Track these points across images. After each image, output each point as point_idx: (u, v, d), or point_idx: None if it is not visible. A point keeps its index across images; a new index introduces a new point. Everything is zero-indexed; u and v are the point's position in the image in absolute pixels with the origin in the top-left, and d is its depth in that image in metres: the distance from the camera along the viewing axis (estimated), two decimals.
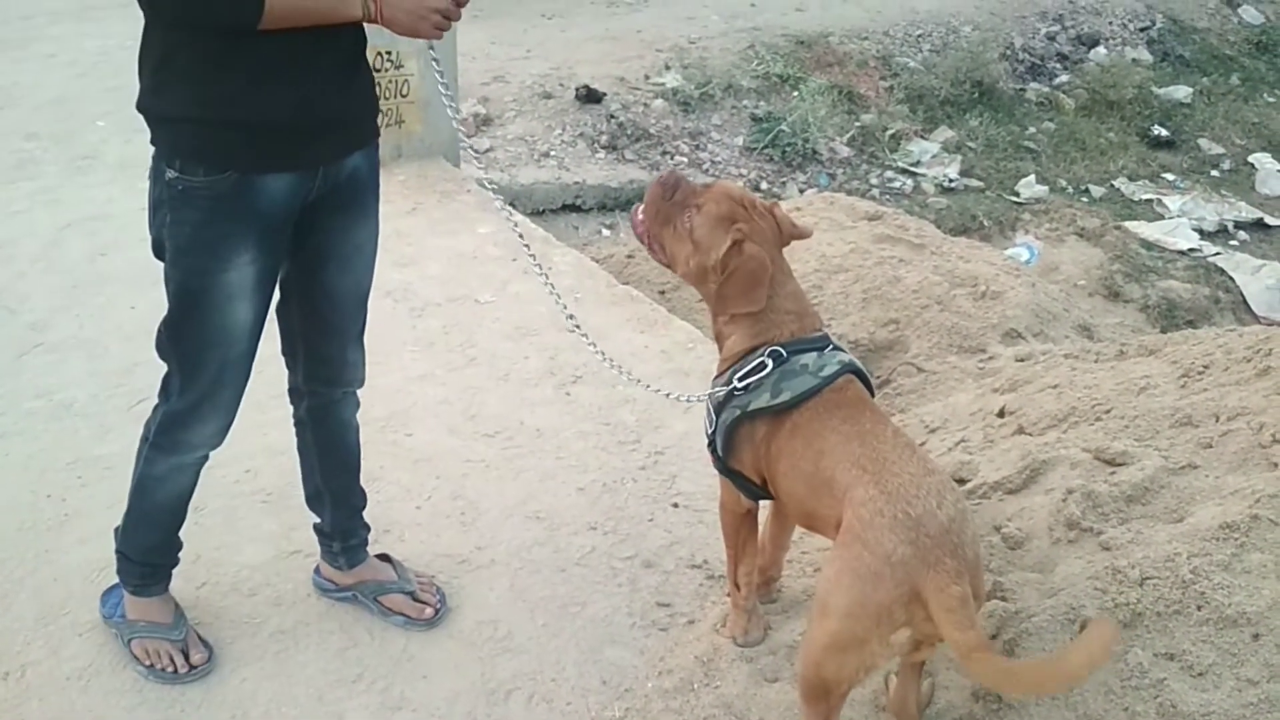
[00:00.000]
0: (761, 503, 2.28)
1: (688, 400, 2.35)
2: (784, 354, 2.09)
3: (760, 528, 2.36)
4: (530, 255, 2.36)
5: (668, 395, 2.45)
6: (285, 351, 2.27)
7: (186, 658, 2.33)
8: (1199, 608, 1.96)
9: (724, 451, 2.16)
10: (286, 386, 2.33)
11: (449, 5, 1.88)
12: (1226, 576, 1.98)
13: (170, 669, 2.32)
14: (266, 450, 2.93)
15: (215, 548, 2.65)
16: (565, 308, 2.34)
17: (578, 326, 2.37)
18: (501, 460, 3.08)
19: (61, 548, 2.67)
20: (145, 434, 2.21)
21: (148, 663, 2.33)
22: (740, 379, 2.10)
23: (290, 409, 2.38)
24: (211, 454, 2.24)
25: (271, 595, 2.56)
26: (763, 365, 2.09)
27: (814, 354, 2.10)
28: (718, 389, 2.16)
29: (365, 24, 1.92)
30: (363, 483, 2.50)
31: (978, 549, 1.89)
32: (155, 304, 3.59)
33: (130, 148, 5.01)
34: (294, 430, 2.40)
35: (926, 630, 1.79)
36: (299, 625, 2.49)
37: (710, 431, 2.19)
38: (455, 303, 3.92)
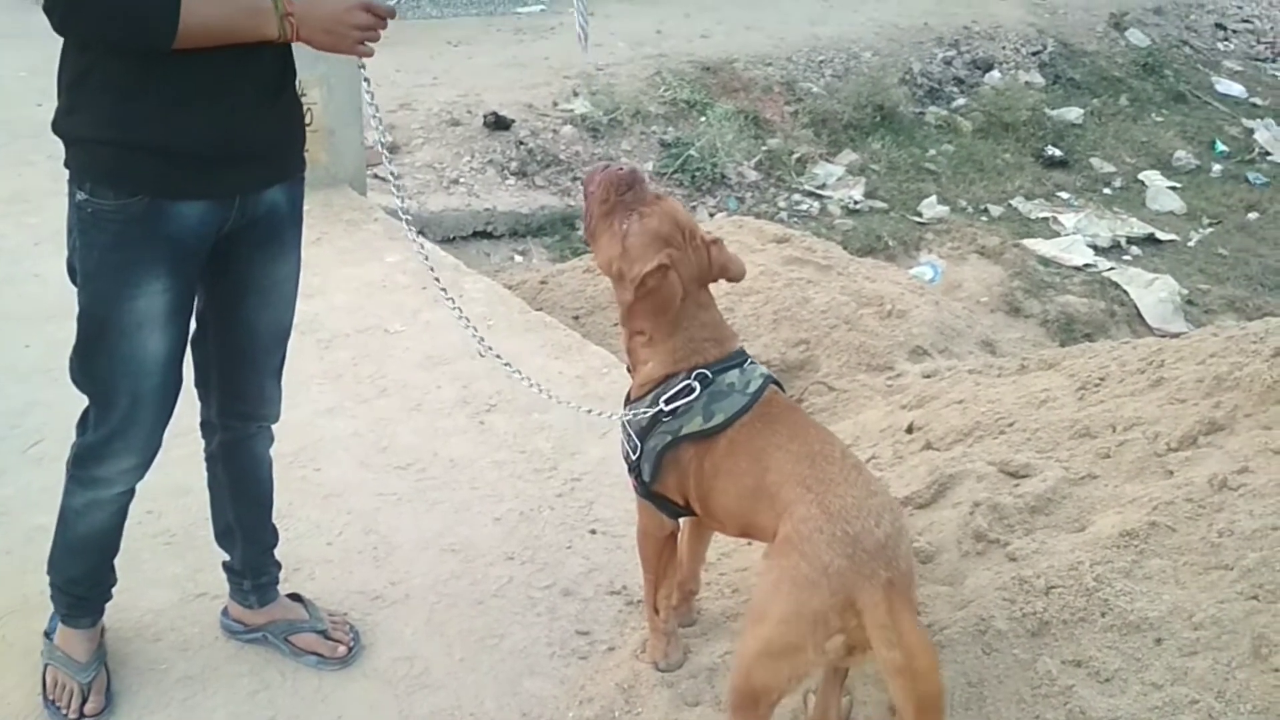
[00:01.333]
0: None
1: (611, 417, 2.34)
2: (709, 376, 2.10)
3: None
4: (436, 279, 2.32)
5: (590, 412, 2.43)
6: (198, 384, 2.21)
7: (83, 702, 2.24)
8: (1103, 614, 2.02)
9: (651, 476, 2.16)
10: (198, 420, 2.27)
11: (369, 20, 1.84)
12: (1128, 583, 2.05)
13: (64, 709, 2.24)
14: (170, 490, 2.84)
15: (118, 591, 2.53)
16: (475, 331, 2.32)
17: (490, 350, 2.35)
18: (415, 493, 3.04)
19: None
20: (68, 462, 2.14)
21: (51, 695, 2.26)
22: (667, 402, 2.10)
23: (196, 445, 2.32)
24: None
25: (177, 640, 2.48)
26: (689, 389, 2.09)
27: (736, 371, 2.12)
28: (642, 410, 2.14)
29: (290, 48, 1.90)
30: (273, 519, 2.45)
31: (911, 563, 1.93)
32: (50, 341, 3.53)
33: (20, 181, 4.85)
34: (204, 465, 2.34)
35: (859, 637, 1.82)
36: (207, 669, 2.41)
37: (634, 457, 2.18)
38: (364, 333, 3.86)
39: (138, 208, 1.86)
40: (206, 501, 2.41)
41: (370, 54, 1.91)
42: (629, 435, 2.20)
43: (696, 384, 2.10)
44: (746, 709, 1.92)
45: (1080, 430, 2.54)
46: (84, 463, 2.09)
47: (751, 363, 2.17)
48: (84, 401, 2.07)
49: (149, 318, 1.93)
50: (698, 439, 2.09)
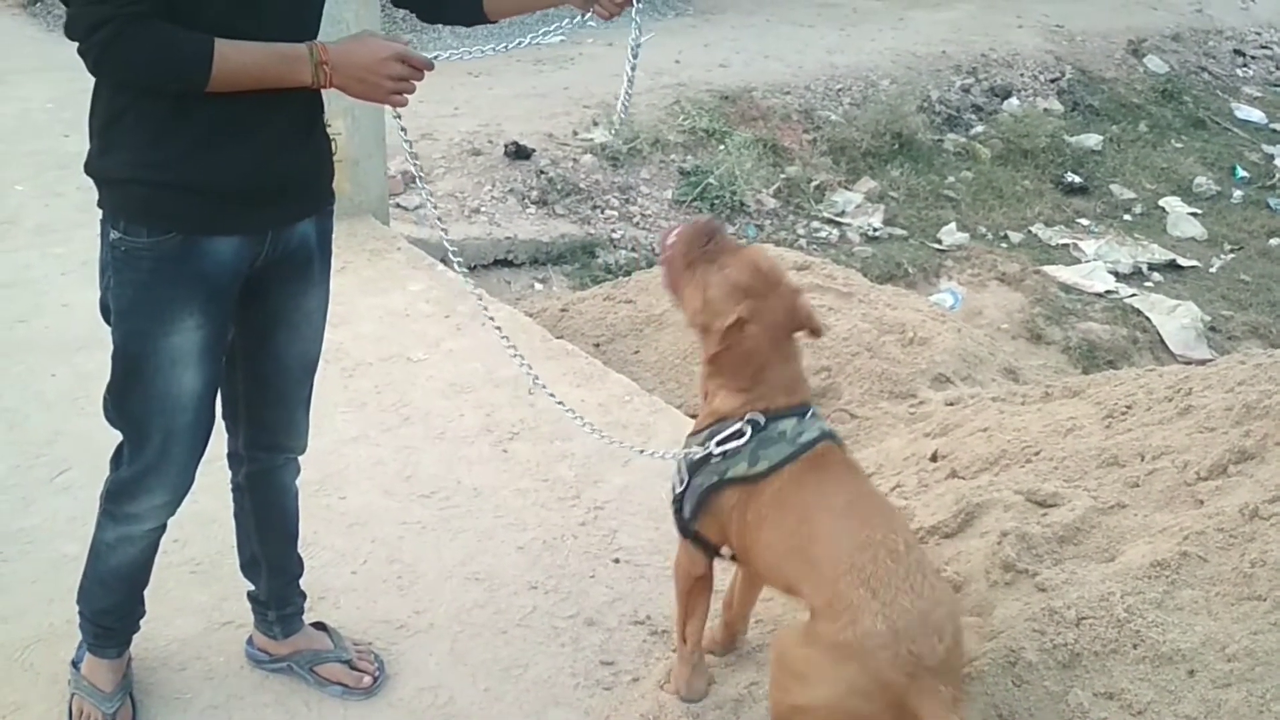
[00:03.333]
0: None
1: (661, 457, 2.31)
2: (762, 422, 2.08)
3: (719, 583, 2.35)
4: (477, 296, 2.37)
5: (641, 452, 2.43)
6: (226, 416, 2.22)
7: None
8: (1135, 646, 2.00)
9: (692, 515, 2.15)
10: (225, 451, 2.28)
11: (404, 71, 1.86)
12: (1160, 614, 2.03)
13: None
14: (196, 518, 2.84)
15: (145, 620, 2.55)
16: (523, 360, 2.35)
17: (539, 381, 2.39)
18: (438, 521, 3.04)
19: None
20: (101, 497, 2.15)
21: None
22: (719, 444, 2.09)
23: (223, 474, 2.33)
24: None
25: (203, 669, 2.48)
26: (740, 433, 2.07)
27: (793, 420, 2.09)
28: (693, 449, 2.14)
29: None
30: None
31: (965, 659, 1.95)
32: (77, 372, 3.57)
33: (49, 212, 4.91)
34: (231, 496, 2.35)
35: None
36: (232, 699, 2.41)
37: (679, 492, 2.17)
38: (388, 362, 3.88)
39: (171, 245, 1.88)
40: (232, 530, 2.42)
41: (404, 104, 1.93)
42: (679, 469, 2.19)
43: (748, 428, 2.08)
44: None
45: (1108, 459, 2.52)
46: (117, 498, 2.10)
47: (813, 415, 2.13)
48: (112, 430, 2.08)
49: (183, 354, 1.95)
50: (741, 484, 2.08)
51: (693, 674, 2.35)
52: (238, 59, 1.76)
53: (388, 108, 1.97)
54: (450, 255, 2.29)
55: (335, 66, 1.82)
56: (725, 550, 2.20)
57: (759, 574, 2.21)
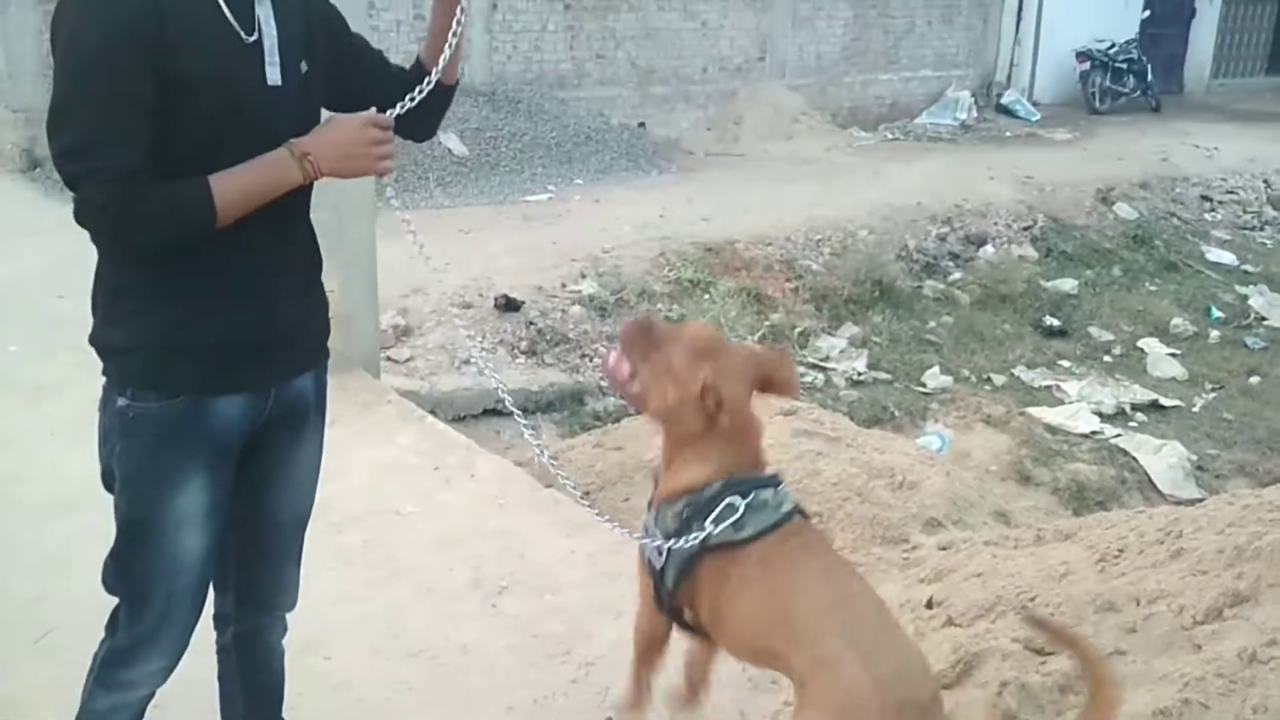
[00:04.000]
0: None
1: (658, 545, 2.20)
2: (750, 494, 2.07)
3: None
4: (549, 461, 2.37)
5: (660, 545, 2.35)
6: (214, 575, 2.20)
7: None
8: None
9: (675, 583, 2.12)
10: (211, 612, 2.24)
11: (375, 133, 1.91)
12: None
13: None
14: (177, 681, 2.76)
15: None
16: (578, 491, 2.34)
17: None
18: (426, 682, 2.97)
19: None
20: (91, 666, 2.11)
21: None
22: (714, 521, 2.05)
23: (205, 636, 2.28)
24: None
25: None
26: (732, 507, 2.05)
27: (771, 490, 2.10)
28: (694, 535, 2.08)
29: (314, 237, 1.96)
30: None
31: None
32: (64, 533, 3.53)
33: (42, 372, 4.94)
34: (216, 658, 2.30)
35: None
36: None
37: (659, 562, 2.13)
38: (376, 515, 3.86)
39: (180, 408, 1.90)
40: (213, 693, 2.36)
41: (391, 170, 1.96)
42: (650, 535, 2.16)
43: (739, 500, 2.06)
44: None
45: (1104, 604, 2.51)
46: (112, 665, 2.06)
47: (784, 487, 2.15)
48: (99, 591, 2.05)
49: (188, 516, 1.95)
50: (726, 550, 2.06)
51: (635, 695, 2.30)
52: (232, 185, 1.81)
53: (377, 178, 1.99)
54: (506, 401, 2.31)
55: (317, 155, 1.86)
56: (687, 615, 2.19)
57: (728, 640, 2.17)
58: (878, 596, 2.05)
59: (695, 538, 2.08)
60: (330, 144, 1.89)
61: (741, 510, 2.07)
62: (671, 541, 2.10)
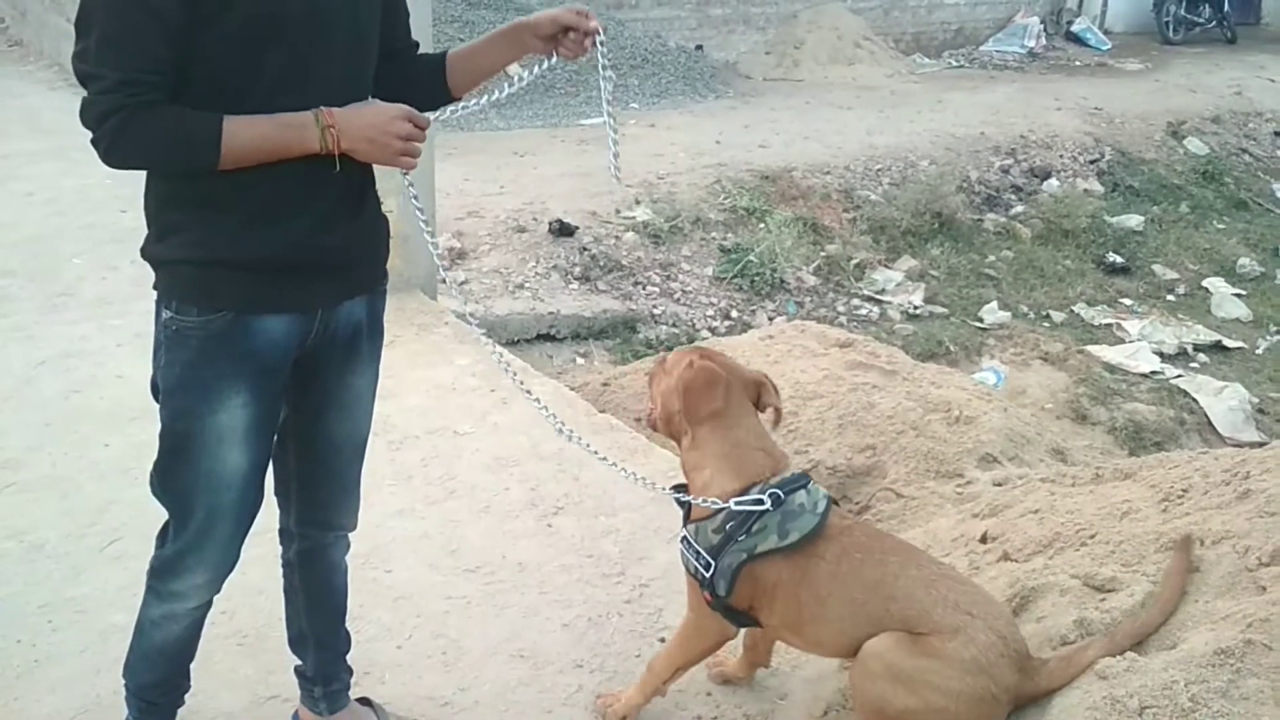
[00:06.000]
0: None
1: (709, 503, 2.31)
2: (782, 496, 2.23)
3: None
4: (511, 374, 2.43)
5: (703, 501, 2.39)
6: (278, 493, 2.24)
7: None
8: None
9: (728, 591, 2.24)
10: (277, 527, 2.29)
11: (409, 129, 1.88)
12: (1225, 704, 1.97)
13: None
14: (244, 590, 2.84)
15: (190, 694, 2.55)
16: (556, 419, 2.39)
17: (579, 439, 2.44)
18: (483, 597, 3.03)
19: (32, 695, 2.58)
20: (147, 573, 2.16)
21: None
22: (741, 522, 2.22)
23: (272, 546, 2.34)
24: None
25: None
26: (758, 502, 2.22)
27: (803, 491, 2.26)
28: (738, 532, 2.23)
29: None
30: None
31: None
32: (130, 442, 3.62)
33: (105, 285, 5.03)
34: (281, 571, 2.36)
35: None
36: None
37: (707, 575, 2.26)
38: (434, 435, 3.91)
39: (221, 324, 1.90)
40: (279, 602, 2.42)
41: (413, 166, 1.93)
42: (697, 553, 2.28)
43: (768, 499, 2.22)
44: None
45: (1166, 543, 2.47)
46: (161, 576, 2.11)
47: (815, 484, 2.31)
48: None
49: (230, 432, 1.96)
50: (778, 555, 2.21)
51: (644, 703, 2.49)
52: (246, 133, 1.79)
53: (399, 171, 1.94)
54: (480, 336, 2.37)
55: (342, 130, 1.83)
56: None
57: (818, 642, 2.31)
58: (951, 567, 2.26)
59: (740, 552, 2.22)
60: (360, 124, 1.85)
61: (768, 507, 2.22)
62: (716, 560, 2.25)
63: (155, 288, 1.95)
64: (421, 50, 2.19)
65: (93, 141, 1.78)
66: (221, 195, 1.86)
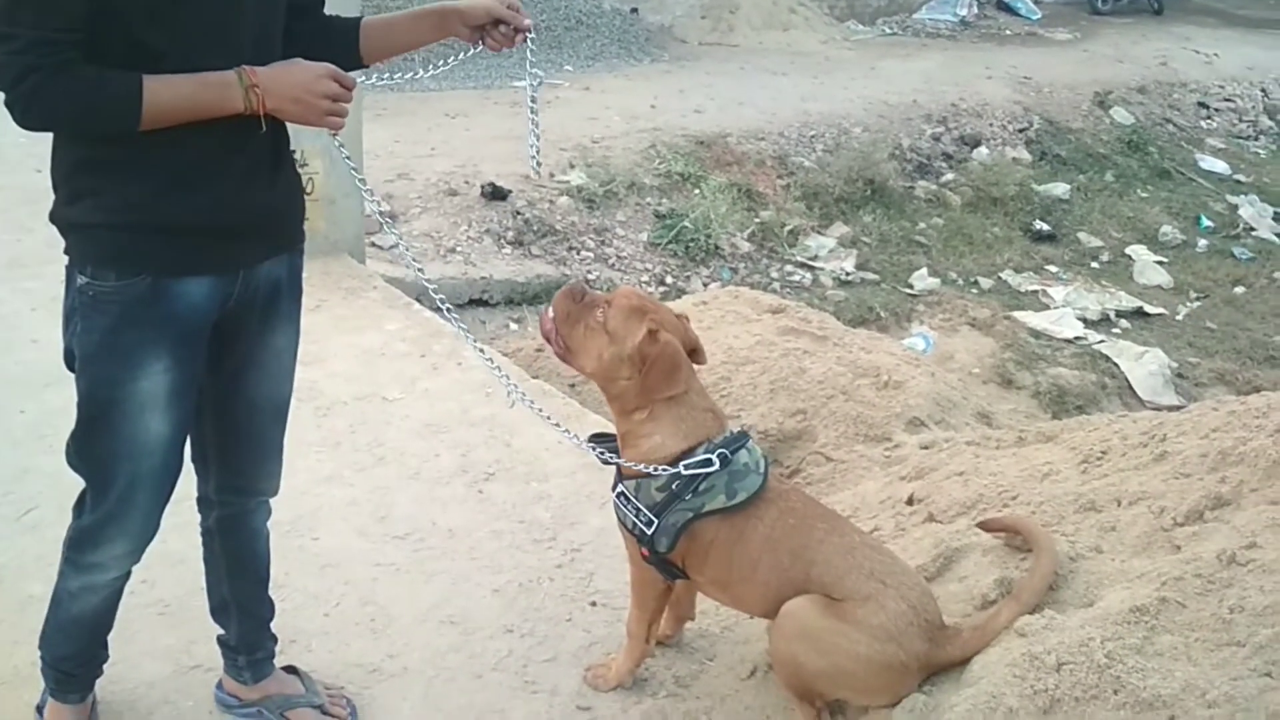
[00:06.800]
0: None
1: (656, 470, 2.28)
2: (729, 456, 2.24)
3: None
4: (462, 329, 2.44)
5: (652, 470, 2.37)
6: (195, 459, 2.18)
7: None
8: (1115, 692, 1.99)
9: (669, 548, 2.27)
10: (195, 495, 2.24)
11: (336, 89, 1.84)
12: (1140, 660, 2.02)
13: None
14: (164, 558, 2.78)
15: (110, 664, 2.49)
16: (508, 379, 2.42)
17: (524, 396, 2.46)
18: (413, 563, 3.00)
19: None
20: (63, 545, 2.10)
21: None
22: (689, 478, 2.23)
23: (192, 514, 2.28)
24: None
25: (171, 714, 2.43)
26: (707, 463, 2.23)
27: (745, 451, 2.28)
28: (698, 474, 2.23)
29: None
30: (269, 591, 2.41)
31: None
32: (46, 408, 3.51)
33: (19, 247, 4.86)
34: (200, 539, 2.30)
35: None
36: None
37: (648, 531, 2.26)
38: (362, 400, 3.85)
39: (140, 288, 1.85)
40: (201, 571, 2.37)
41: (341, 127, 1.90)
42: (637, 509, 2.27)
43: (716, 459, 2.22)
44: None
45: (1085, 504, 2.53)
46: (79, 547, 2.06)
47: (753, 442, 2.33)
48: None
49: (151, 399, 1.91)
50: (721, 515, 2.23)
51: (635, 668, 2.51)
52: (167, 93, 1.74)
53: (327, 131, 1.91)
54: (430, 291, 2.31)
55: (266, 89, 1.79)
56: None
57: (742, 599, 2.36)
58: (872, 536, 2.29)
59: (686, 511, 2.23)
60: (285, 83, 1.81)
61: (718, 468, 2.23)
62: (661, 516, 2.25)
63: (67, 253, 1.88)
64: (347, 15, 2.13)
65: (7, 104, 1.71)
66: (140, 158, 1.80)
